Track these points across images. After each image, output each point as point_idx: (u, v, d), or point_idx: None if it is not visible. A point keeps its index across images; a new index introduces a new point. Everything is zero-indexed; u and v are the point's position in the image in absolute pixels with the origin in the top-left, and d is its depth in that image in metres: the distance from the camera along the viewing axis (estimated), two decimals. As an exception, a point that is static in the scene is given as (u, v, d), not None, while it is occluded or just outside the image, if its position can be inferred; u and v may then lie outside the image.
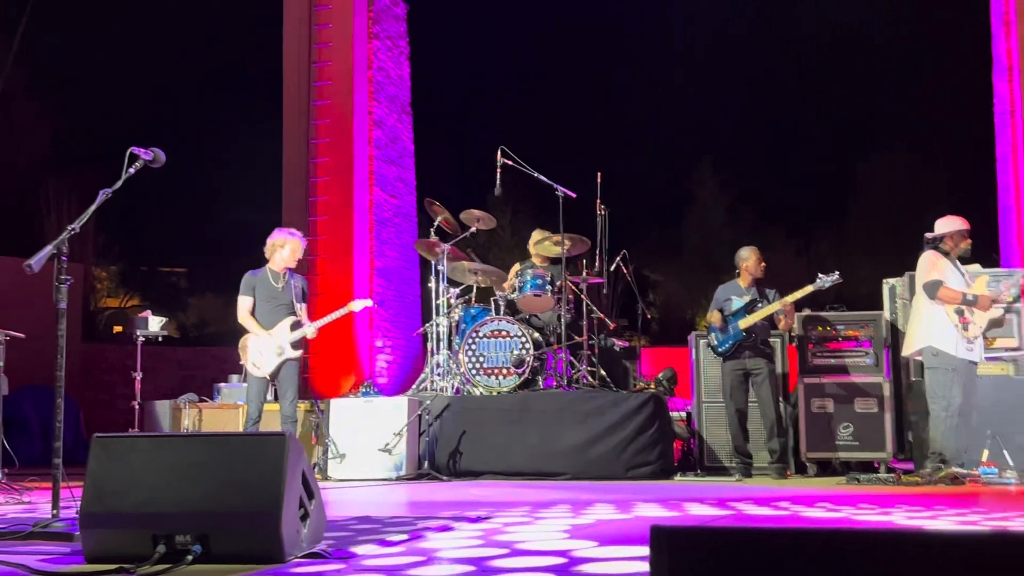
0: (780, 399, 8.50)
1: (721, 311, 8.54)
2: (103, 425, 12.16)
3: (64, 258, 4.50)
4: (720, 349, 8.48)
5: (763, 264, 8.52)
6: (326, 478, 8.49)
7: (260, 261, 7.85)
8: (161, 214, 24.12)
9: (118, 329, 21.14)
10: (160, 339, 9.82)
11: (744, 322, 8.37)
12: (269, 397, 7.90)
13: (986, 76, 11.69)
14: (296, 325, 7.67)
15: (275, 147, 12.50)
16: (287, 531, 3.41)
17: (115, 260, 24.94)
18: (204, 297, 22.84)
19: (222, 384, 10.23)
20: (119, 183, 4.71)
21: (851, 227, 22.69)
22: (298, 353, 7.72)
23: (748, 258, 8.55)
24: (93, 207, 4.65)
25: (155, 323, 9.49)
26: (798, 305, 8.51)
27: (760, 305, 8.35)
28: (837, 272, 8.04)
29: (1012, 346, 8.40)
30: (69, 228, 4.52)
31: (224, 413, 9.64)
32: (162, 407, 10.17)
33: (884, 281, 8.95)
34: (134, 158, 4.78)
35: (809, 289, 8.10)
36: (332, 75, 12.59)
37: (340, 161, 12.23)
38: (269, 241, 7.76)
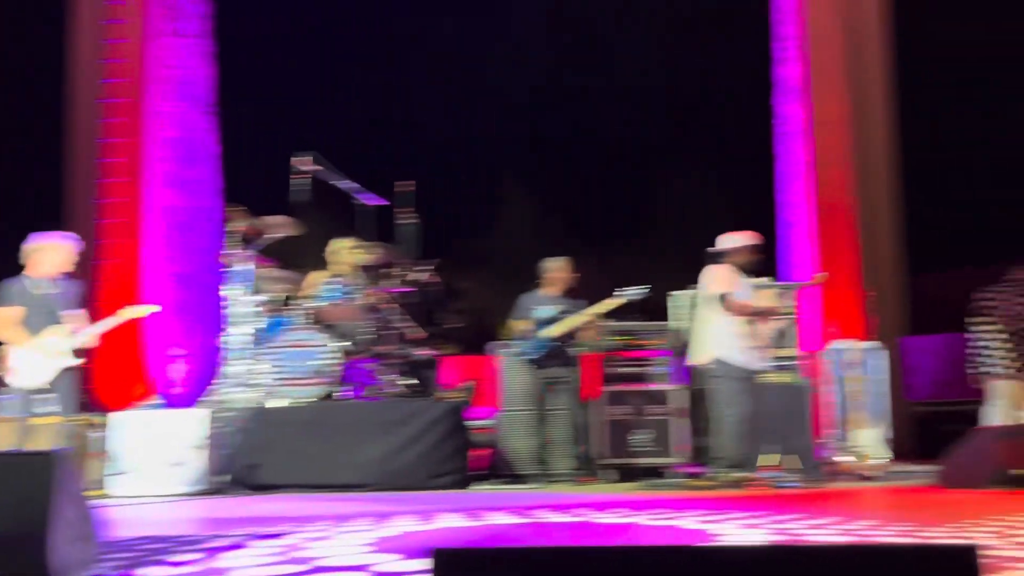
0: (579, 407, 8.69)
1: (528, 320, 8.66)
2: None
3: None
4: (531, 357, 8.63)
5: (574, 276, 8.74)
6: (109, 496, 8.13)
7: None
8: None
9: None
10: None
11: (554, 330, 8.55)
12: (40, 410, 7.34)
13: (766, 99, 12.30)
14: (71, 333, 7.39)
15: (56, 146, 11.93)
16: (58, 554, 3.24)
17: None
18: None
19: None
20: None
21: (650, 241, 23.47)
22: (76, 362, 7.41)
23: (558, 269, 8.79)
24: None
25: None
26: (609, 315, 8.70)
27: (568, 316, 8.52)
28: (646, 286, 8.24)
29: (792, 355, 8.79)
30: None
31: None
32: None
33: (668, 293, 9.19)
34: None
35: (612, 303, 8.32)
36: (125, 72, 12.10)
37: (132, 162, 11.83)
38: (27, 246, 7.42)
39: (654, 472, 8.78)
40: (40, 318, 7.28)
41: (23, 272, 7.34)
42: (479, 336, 10.01)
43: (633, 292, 8.30)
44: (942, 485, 7.25)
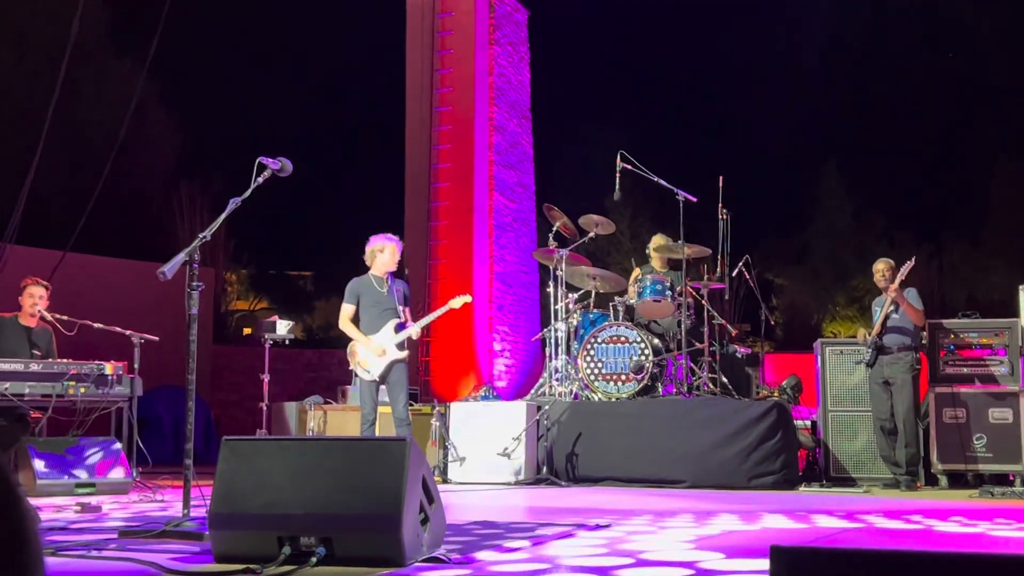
0: (911, 409, 8.26)
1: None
2: (232, 425, 12.84)
3: (195, 265, 4.59)
4: (865, 361, 8.43)
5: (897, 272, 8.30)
6: (446, 481, 8.50)
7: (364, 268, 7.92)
8: (290, 220, 24.38)
9: (247, 331, 21.47)
10: (287, 342, 9.81)
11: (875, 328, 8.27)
12: (383, 399, 7.88)
13: None
14: (400, 327, 7.66)
15: (398, 157, 12.56)
16: (408, 535, 3.41)
17: (245, 264, 25.33)
18: (330, 300, 22.99)
19: (347, 387, 10.27)
20: (248, 192, 4.74)
21: (985, 232, 21.70)
22: (404, 354, 7.69)
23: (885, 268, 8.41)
24: (223, 216, 4.71)
25: (283, 326, 9.50)
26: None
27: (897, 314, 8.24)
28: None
29: None
30: (200, 236, 4.61)
31: (348, 415, 9.68)
32: (289, 408, 10.27)
33: (1022, 288, 8.57)
34: (262, 168, 4.82)
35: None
36: (453, 82, 12.58)
37: (460, 167, 12.15)
38: (368, 247, 7.76)
39: (991, 479, 8.25)
40: (381, 314, 7.67)
41: (369, 271, 7.78)
42: (801, 333, 9.65)
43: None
44: None
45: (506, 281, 12.47)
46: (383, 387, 7.62)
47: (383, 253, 7.70)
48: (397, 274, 7.90)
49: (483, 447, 8.56)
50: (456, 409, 8.90)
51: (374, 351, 7.55)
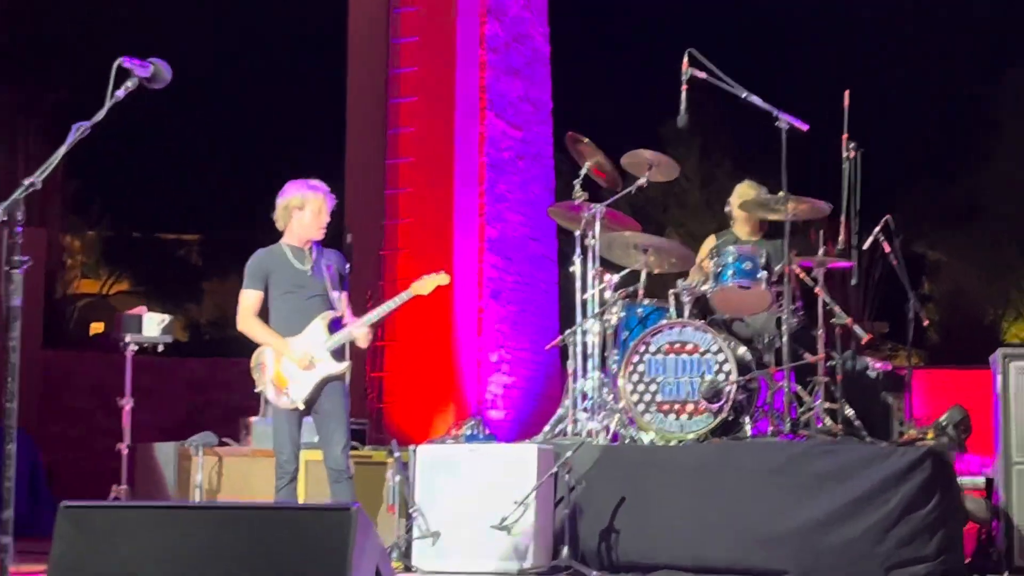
0: None
1: None
2: (73, 479, 11.26)
3: (18, 228, 3.92)
4: None
5: None
6: (409, 570, 7.13)
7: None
8: (165, 157, 20.11)
9: (97, 328, 18.76)
10: (161, 347, 8.56)
11: None
12: (311, 439, 6.83)
13: None
14: (336, 324, 6.60)
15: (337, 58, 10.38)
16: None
17: (94, 223, 21.40)
18: (227, 281, 18.77)
19: (254, 418, 8.69)
20: (102, 111, 4.10)
21: None
22: (343, 367, 6.63)
23: None
24: (63, 148, 4.08)
25: (153, 323, 8.18)
26: None
27: None
28: None
29: None
30: (25, 183, 3.96)
31: (256, 463, 8.21)
32: (164, 452, 8.66)
33: None
34: (124, 74, 4.22)
35: None
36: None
37: (435, 72, 10.27)
38: (280, 201, 6.65)
39: None
40: (302, 305, 6.61)
41: (281, 240, 6.71)
42: (969, 339, 7.96)
43: None
44: None
45: (505, 253, 10.84)
46: (309, 419, 6.68)
47: (303, 211, 6.56)
48: (328, 243, 6.82)
49: (468, 516, 7.07)
50: (426, 455, 7.38)
51: (296, 362, 6.49)
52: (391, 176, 10.34)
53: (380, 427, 9.83)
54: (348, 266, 7.10)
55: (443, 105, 10.32)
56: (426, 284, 6.73)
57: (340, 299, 6.64)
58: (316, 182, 6.72)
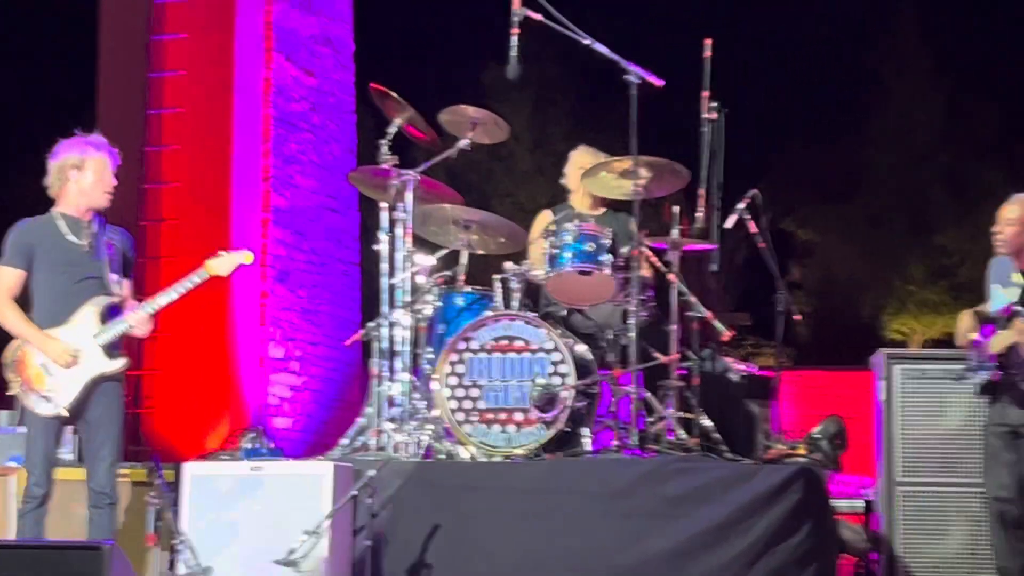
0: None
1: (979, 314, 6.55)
2: None
3: None
4: (975, 377, 6.46)
5: None
6: None
7: (46, 204, 6.08)
8: None
9: None
10: None
11: (1000, 339, 6.16)
12: (67, 453, 6.24)
13: None
14: (113, 312, 5.94)
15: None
16: None
17: None
18: None
19: None
20: None
21: None
22: (118, 365, 5.95)
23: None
24: None
25: None
26: None
27: None
28: None
29: None
30: None
31: None
32: None
33: None
34: None
35: None
36: None
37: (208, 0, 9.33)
38: (53, 163, 6.01)
39: None
40: (73, 287, 6.03)
41: (53, 208, 6.12)
42: (839, 334, 7.89)
43: None
44: None
45: (296, 226, 9.94)
46: (70, 428, 6.06)
47: (82, 171, 5.95)
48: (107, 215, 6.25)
49: (247, 547, 6.42)
50: (196, 474, 6.69)
51: (59, 357, 5.86)
52: (153, 129, 9.45)
53: (138, 438, 8.85)
54: (133, 243, 6.39)
55: (219, 43, 9.46)
56: (224, 263, 6.07)
57: (121, 284, 5.96)
58: (96, 137, 6.08)
